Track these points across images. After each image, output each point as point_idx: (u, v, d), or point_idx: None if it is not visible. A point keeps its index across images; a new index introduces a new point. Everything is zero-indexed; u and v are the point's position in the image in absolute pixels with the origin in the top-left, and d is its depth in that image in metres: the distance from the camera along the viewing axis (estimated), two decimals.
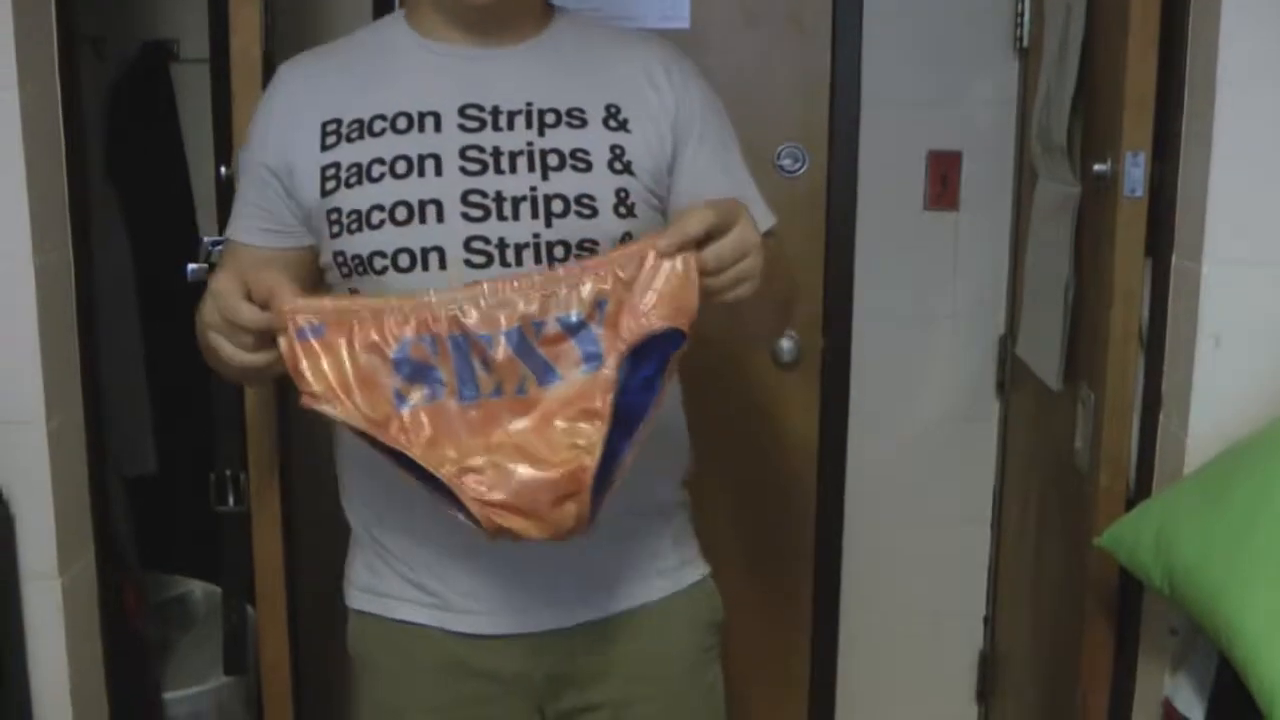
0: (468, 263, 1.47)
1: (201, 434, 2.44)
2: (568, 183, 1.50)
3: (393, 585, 1.63)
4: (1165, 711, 1.94)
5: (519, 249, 1.48)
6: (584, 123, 1.54)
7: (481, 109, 1.52)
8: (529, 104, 1.53)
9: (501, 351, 1.33)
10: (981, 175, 3.01)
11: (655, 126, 1.57)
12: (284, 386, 2.23)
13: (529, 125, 1.52)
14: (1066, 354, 2.40)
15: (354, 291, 1.52)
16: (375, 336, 1.32)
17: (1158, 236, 2.03)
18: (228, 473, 2.32)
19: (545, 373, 1.34)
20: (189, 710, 2.76)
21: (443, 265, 1.47)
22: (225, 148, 2.17)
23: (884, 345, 3.07)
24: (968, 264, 3.05)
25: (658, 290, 1.30)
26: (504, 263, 1.47)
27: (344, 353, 1.31)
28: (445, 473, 1.31)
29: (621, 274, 1.32)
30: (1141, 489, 2.09)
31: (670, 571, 1.69)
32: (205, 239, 2.32)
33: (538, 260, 1.48)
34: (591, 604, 1.62)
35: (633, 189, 1.53)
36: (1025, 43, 2.90)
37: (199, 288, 2.30)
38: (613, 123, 1.55)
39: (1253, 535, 1.60)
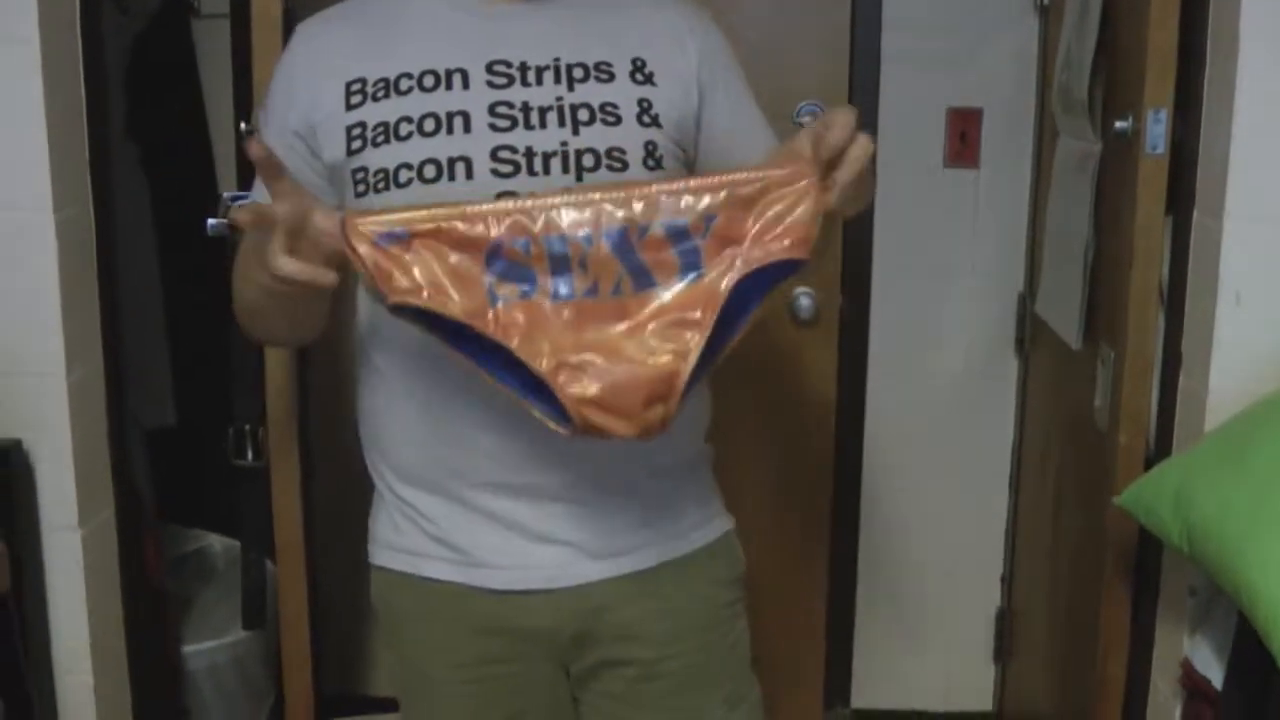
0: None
1: (221, 387, 2.45)
2: (598, 137, 1.50)
3: (418, 542, 1.62)
4: (1184, 672, 1.94)
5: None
6: (611, 77, 1.53)
7: (509, 65, 1.51)
8: (556, 59, 1.53)
9: (602, 249, 1.32)
10: (1001, 133, 2.99)
11: (680, 80, 1.57)
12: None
13: (557, 80, 1.52)
14: (1086, 312, 2.39)
15: None
16: (466, 235, 1.30)
17: (1179, 193, 2.02)
18: (246, 427, 2.33)
19: (642, 277, 1.33)
20: (207, 664, 2.79)
21: None
22: (245, 103, 2.18)
23: (903, 303, 3.06)
24: (987, 222, 3.04)
25: (785, 219, 1.31)
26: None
27: (433, 253, 1.30)
28: (542, 367, 1.31)
29: (738, 193, 1.32)
30: (1161, 448, 2.09)
31: (696, 526, 1.68)
32: (225, 194, 2.33)
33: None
34: (618, 560, 1.61)
35: (660, 142, 1.53)
36: (1046, 1, 2.87)
37: (219, 242, 2.33)
38: (639, 76, 1.54)
39: (1273, 494, 1.60)
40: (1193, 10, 1.98)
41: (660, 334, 1.32)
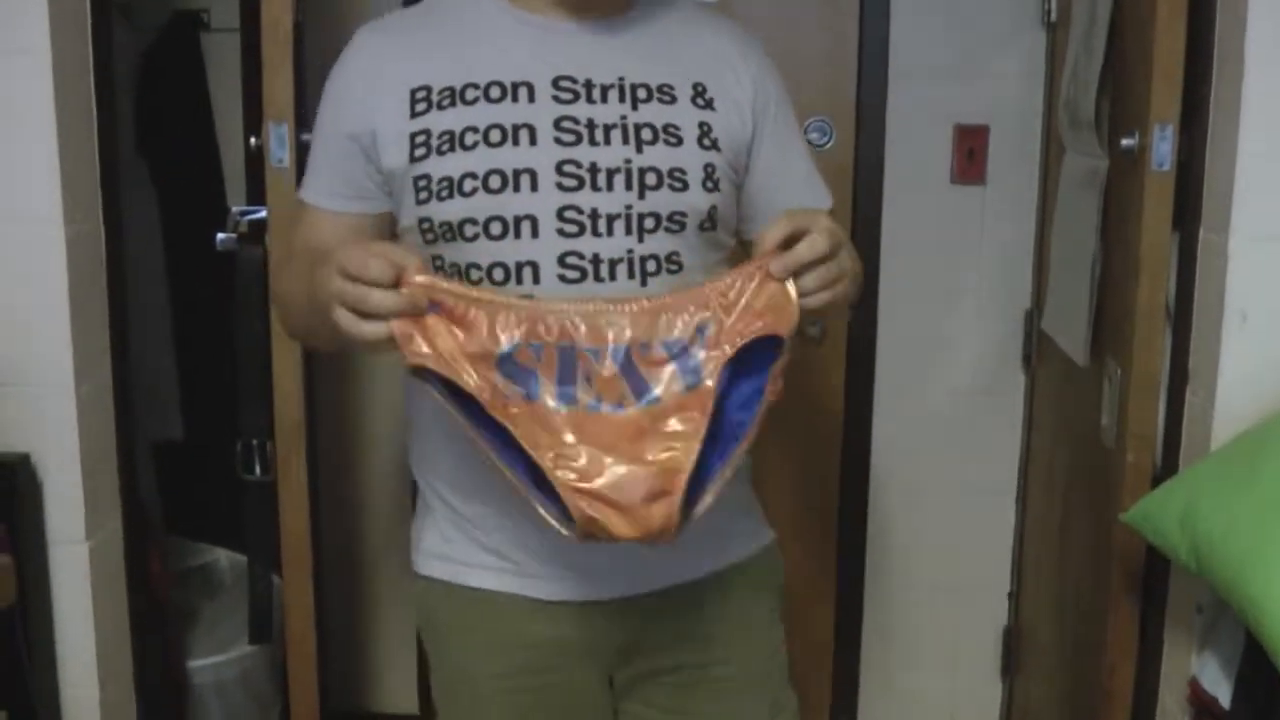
0: (560, 231, 1.48)
1: (229, 401, 2.45)
2: (661, 156, 1.52)
3: (466, 551, 1.63)
4: (1191, 689, 1.93)
5: (610, 219, 1.49)
6: (674, 99, 1.55)
7: (575, 81, 1.53)
8: (621, 78, 1.54)
9: (607, 368, 1.36)
10: (1008, 149, 3.00)
11: (736, 107, 1.59)
12: (311, 353, 2.24)
13: (622, 99, 1.53)
14: (1093, 329, 2.39)
15: (436, 258, 1.53)
16: (485, 329, 1.34)
17: (1185, 210, 2.02)
18: (254, 442, 2.33)
19: (643, 390, 1.37)
20: (213, 678, 2.79)
21: (535, 234, 1.48)
22: (255, 119, 2.18)
23: (910, 319, 3.07)
24: (994, 238, 3.04)
25: (759, 305, 1.35)
26: (595, 232, 1.49)
27: (457, 331, 1.33)
28: (548, 458, 1.32)
29: (723, 299, 1.37)
30: (1168, 465, 2.09)
31: (740, 537, 1.70)
32: (233, 208, 2.34)
33: (628, 229, 1.50)
34: (665, 571, 1.61)
35: (718, 165, 1.56)
36: (1053, 16, 2.88)
37: (228, 256, 2.33)
38: (700, 101, 1.57)
39: None
40: (1199, 27, 1.98)
41: (660, 435, 1.35)
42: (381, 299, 1.30)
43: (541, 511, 1.35)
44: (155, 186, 3.06)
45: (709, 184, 1.54)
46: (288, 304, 1.61)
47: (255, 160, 2.23)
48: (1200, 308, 1.99)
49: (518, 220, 1.48)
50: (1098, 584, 2.33)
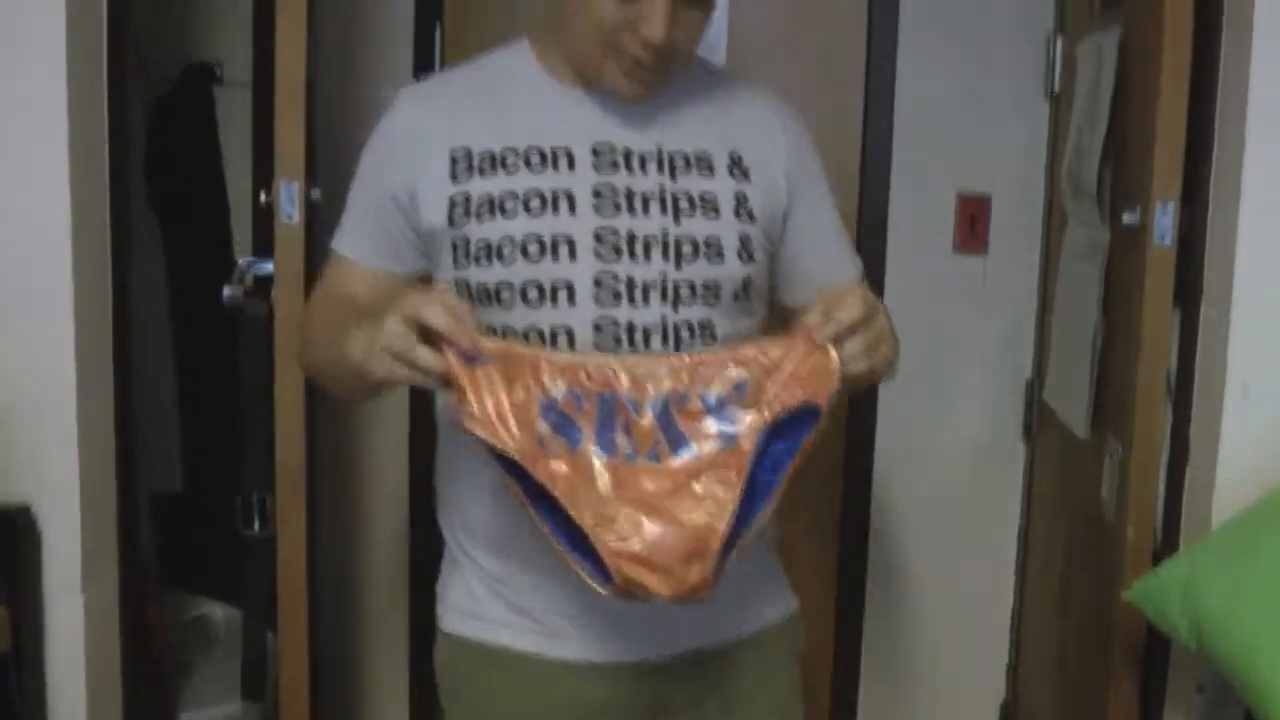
0: (596, 299, 1.50)
1: (230, 455, 2.45)
2: (698, 226, 1.54)
3: (494, 609, 1.62)
4: None
5: (646, 288, 1.51)
6: (711, 169, 1.57)
7: (614, 149, 1.54)
8: (659, 147, 1.56)
9: (646, 419, 1.40)
10: (1011, 219, 3.01)
11: (771, 176, 1.61)
12: (313, 409, 2.24)
13: (660, 168, 1.55)
14: (1094, 401, 2.39)
15: None
16: (530, 380, 1.37)
17: (1186, 285, 2.04)
18: (254, 496, 2.33)
19: (679, 443, 1.40)
20: None
21: (571, 301, 1.49)
22: (265, 173, 2.20)
23: (911, 386, 3.06)
24: (996, 307, 3.05)
25: (800, 373, 1.39)
26: (630, 300, 1.50)
27: (502, 387, 1.36)
28: (585, 521, 1.35)
29: (765, 359, 1.40)
30: (1169, 540, 2.09)
31: (768, 602, 1.70)
32: (240, 261, 2.34)
33: (664, 298, 1.51)
34: (692, 634, 1.61)
35: (753, 235, 1.57)
36: (1056, 88, 2.91)
37: (233, 310, 2.34)
38: (736, 171, 1.58)
39: None
40: (1200, 104, 2.00)
41: (696, 494, 1.38)
42: (425, 357, 1.32)
43: (577, 569, 1.37)
44: (163, 237, 3.08)
45: (744, 255, 1.56)
46: (312, 342, 1.63)
47: (264, 215, 2.24)
48: (1201, 383, 2.00)
49: (554, 287, 1.50)
50: (1098, 660, 2.32)
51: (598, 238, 1.50)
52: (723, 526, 1.36)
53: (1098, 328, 2.36)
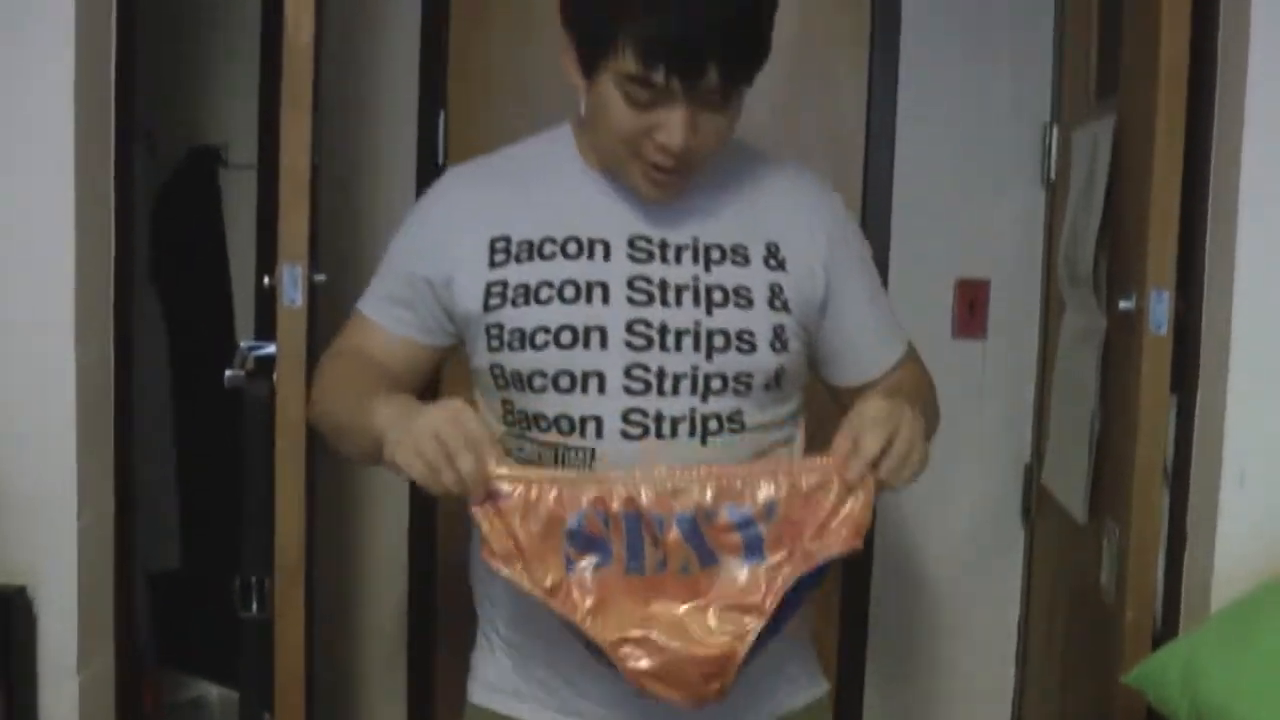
0: (626, 389, 1.51)
1: (226, 534, 2.45)
2: (730, 318, 1.54)
3: (521, 683, 1.64)
4: None
5: (677, 378, 1.52)
6: (746, 261, 1.58)
7: (650, 241, 1.56)
8: (695, 239, 1.57)
9: (673, 534, 1.40)
10: (1009, 304, 3.03)
11: (809, 266, 1.61)
12: (313, 491, 2.24)
13: (695, 260, 1.56)
14: (1092, 486, 2.39)
15: (506, 402, 1.57)
16: (554, 507, 1.39)
17: (1183, 371, 2.05)
18: (253, 578, 2.32)
19: (705, 555, 1.41)
20: None
21: (601, 390, 1.51)
22: (268, 256, 2.21)
23: None
24: (995, 391, 3.06)
25: (841, 515, 1.40)
26: (660, 390, 1.52)
27: (518, 521, 1.39)
28: (606, 640, 1.39)
29: (799, 485, 1.41)
30: (1168, 624, 2.08)
31: (799, 685, 1.71)
32: (242, 343, 2.35)
33: (694, 389, 1.52)
34: (721, 714, 1.58)
35: (788, 325, 1.58)
36: (1052, 174, 2.94)
37: (235, 393, 2.35)
38: (772, 261, 1.59)
39: None
40: (1193, 193, 2.02)
41: (721, 615, 1.41)
42: (452, 480, 1.35)
43: (606, 667, 1.43)
44: (166, 317, 3.10)
45: (777, 345, 1.56)
46: (328, 396, 1.64)
47: (267, 298, 2.26)
48: (1198, 469, 2.00)
49: (586, 375, 1.51)
50: None
51: (630, 328, 1.52)
52: (743, 651, 1.40)
53: (1095, 413, 2.37)
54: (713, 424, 1.53)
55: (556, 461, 1.53)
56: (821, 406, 1.74)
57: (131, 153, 2.22)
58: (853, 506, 1.40)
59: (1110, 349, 2.31)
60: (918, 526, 3.10)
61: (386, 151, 2.97)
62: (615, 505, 1.40)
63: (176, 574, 3.12)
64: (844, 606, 3.10)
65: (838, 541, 1.40)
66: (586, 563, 1.40)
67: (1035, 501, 3.01)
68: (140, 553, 2.50)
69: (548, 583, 1.39)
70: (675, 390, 1.52)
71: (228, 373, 2.29)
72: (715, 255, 1.57)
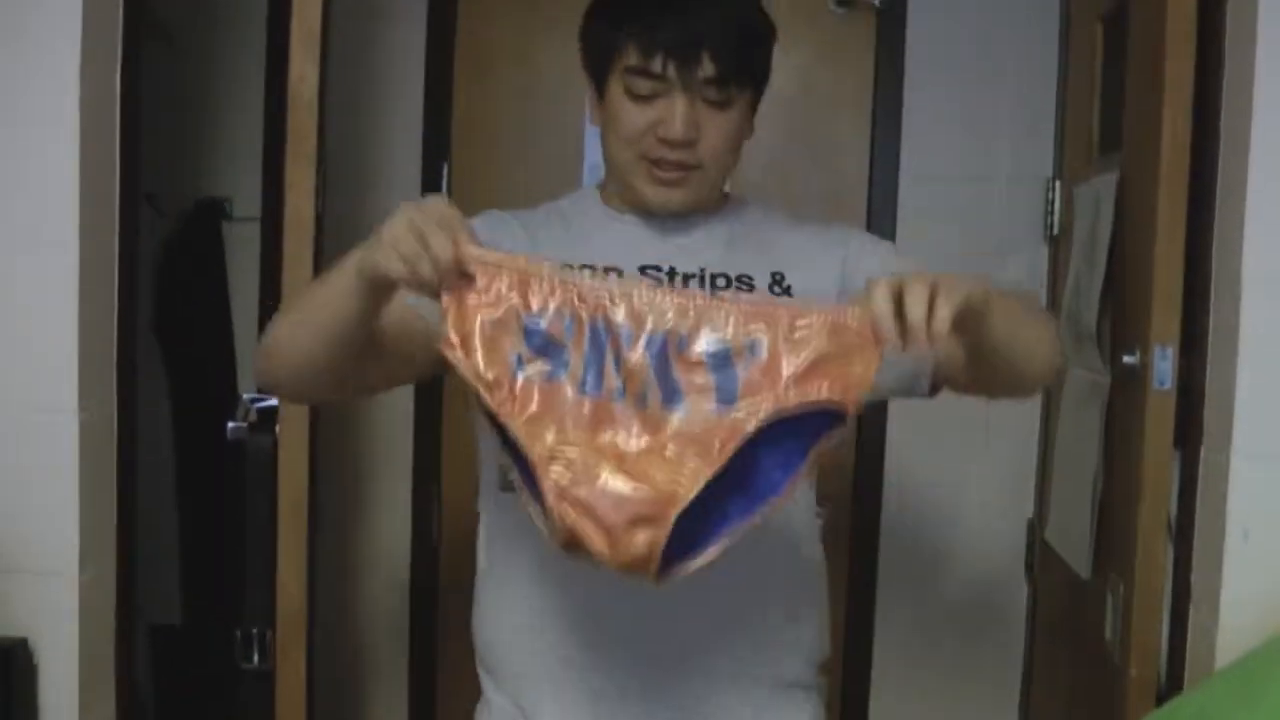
0: None
1: (228, 587, 2.44)
2: None
3: None
4: None
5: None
6: (751, 288, 1.62)
7: (659, 270, 1.61)
8: (702, 269, 1.63)
9: (637, 353, 1.27)
10: None
11: (819, 284, 1.63)
12: (314, 543, 2.24)
13: (701, 285, 1.62)
14: (1095, 542, 2.39)
15: None
16: (516, 298, 1.28)
17: (1186, 428, 2.04)
18: (254, 630, 2.32)
19: (671, 394, 1.27)
20: None
21: None
22: (272, 308, 2.21)
23: (913, 525, 3.06)
24: (998, 446, 3.06)
25: (828, 360, 1.23)
26: None
27: (481, 308, 1.27)
28: (535, 452, 1.25)
29: (789, 327, 1.25)
30: (1173, 681, 2.07)
31: None
32: (244, 396, 2.36)
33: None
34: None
35: None
36: (1055, 230, 2.95)
37: (236, 444, 2.35)
38: (777, 288, 1.63)
39: None
40: (1197, 249, 2.03)
41: (672, 458, 1.25)
42: (429, 269, 1.27)
43: (532, 513, 1.29)
44: (168, 369, 3.10)
45: None
46: (283, 308, 1.59)
47: None
48: (1202, 526, 2.00)
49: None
50: None
51: None
52: (685, 496, 1.22)
53: (1099, 468, 2.36)
54: (720, 281, 1.60)
55: None
56: None
57: (135, 207, 2.23)
58: (849, 354, 1.23)
59: (1114, 404, 2.31)
60: (921, 581, 3.09)
61: (390, 203, 2.97)
62: (584, 312, 1.27)
63: (178, 627, 3.11)
64: (847, 660, 3.08)
65: (826, 392, 1.22)
66: (536, 369, 1.27)
67: (1039, 557, 3.00)
68: (142, 606, 2.49)
69: (490, 375, 1.26)
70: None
71: (230, 425, 2.29)
72: (721, 282, 1.62)
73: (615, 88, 1.57)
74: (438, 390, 2.98)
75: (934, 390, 1.67)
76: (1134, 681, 2.08)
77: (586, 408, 1.27)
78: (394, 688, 3.12)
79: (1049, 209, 2.96)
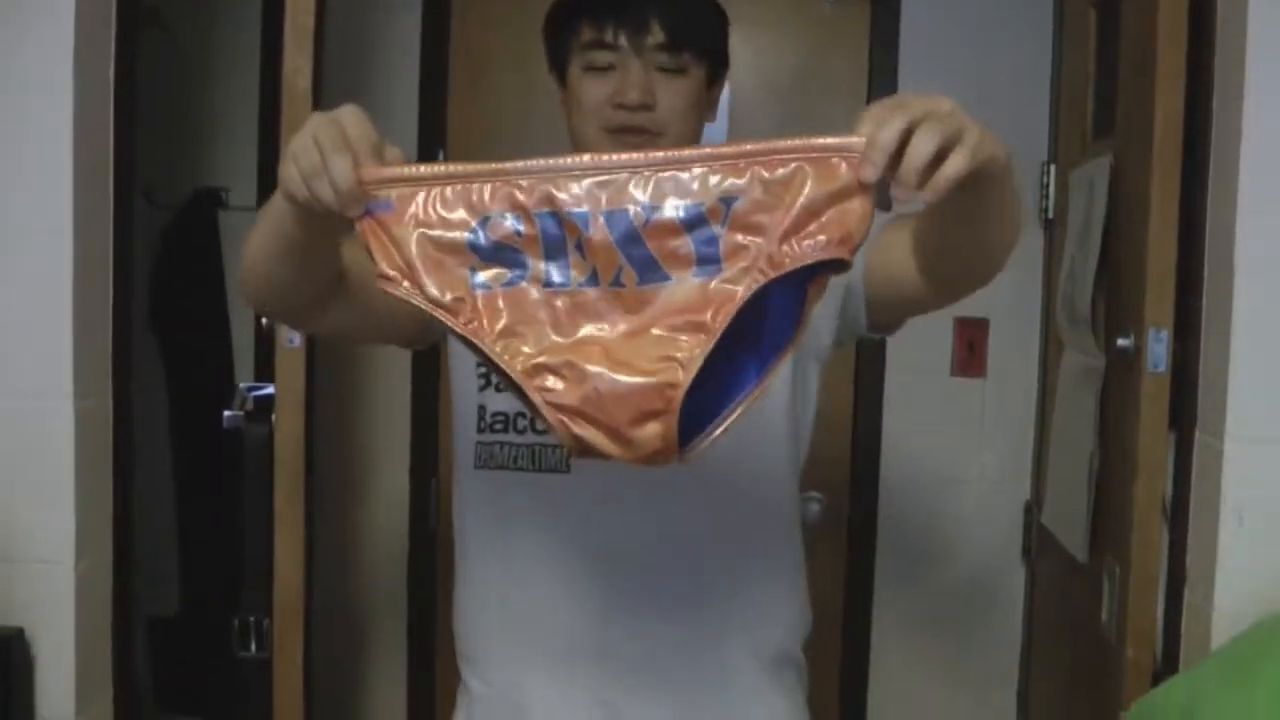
0: None
1: (223, 577, 2.44)
2: None
3: None
4: None
5: None
6: None
7: None
8: None
9: (599, 232, 1.12)
10: (1008, 343, 3.04)
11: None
12: (312, 532, 2.24)
13: None
14: (1091, 526, 2.39)
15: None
16: (452, 211, 1.13)
17: (1181, 411, 2.05)
18: (251, 619, 2.32)
19: (648, 269, 1.13)
20: None
21: None
22: None
23: (910, 510, 3.07)
24: (994, 431, 3.06)
25: (824, 212, 1.09)
26: None
27: (411, 229, 1.13)
28: (518, 369, 1.13)
29: (766, 173, 1.10)
30: (1169, 662, 2.08)
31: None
32: (241, 385, 2.36)
33: None
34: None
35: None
36: (1050, 214, 2.95)
37: (233, 433, 2.35)
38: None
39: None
40: (1191, 233, 2.03)
41: (661, 339, 1.13)
42: (326, 191, 1.14)
43: (539, 426, 1.23)
44: (164, 358, 3.10)
45: None
46: (259, 218, 1.38)
47: (265, 339, 2.27)
48: (1197, 509, 2.00)
49: None
50: None
51: None
52: (685, 380, 1.10)
53: (1095, 452, 2.37)
54: None
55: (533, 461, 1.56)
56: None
57: (130, 196, 2.23)
58: (842, 208, 1.09)
59: (1109, 388, 2.32)
60: (919, 565, 3.09)
61: None
62: (529, 203, 1.13)
63: (175, 618, 3.11)
64: (846, 643, 3.09)
65: (815, 248, 1.08)
66: (492, 276, 1.14)
67: (1035, 540, 3.01)
68: (139, 596, 2.50)
69: (448, 297, 1.13)
70: None
71: (226, 414, 2.30)
72: None
73: (575, 69, 1.61)
74: (434, 376, 2.98)
75: (887, 326, 1.64)
76: (1130, 663, 2.09)
77: (560, 304, 1.14)
78: (392, 675, 3.12)
79: (1044, 193, 2.96)
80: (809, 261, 1.09)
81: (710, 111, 1.68)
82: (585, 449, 1.14)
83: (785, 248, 1.09)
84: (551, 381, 1.12)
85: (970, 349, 3.04)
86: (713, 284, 1.11)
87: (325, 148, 1.13)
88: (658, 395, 1.11)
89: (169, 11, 2.92)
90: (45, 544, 2.02)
